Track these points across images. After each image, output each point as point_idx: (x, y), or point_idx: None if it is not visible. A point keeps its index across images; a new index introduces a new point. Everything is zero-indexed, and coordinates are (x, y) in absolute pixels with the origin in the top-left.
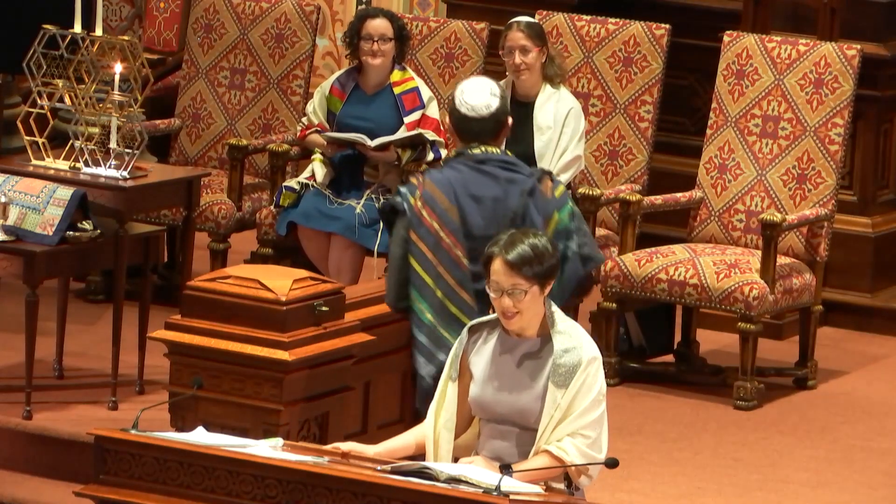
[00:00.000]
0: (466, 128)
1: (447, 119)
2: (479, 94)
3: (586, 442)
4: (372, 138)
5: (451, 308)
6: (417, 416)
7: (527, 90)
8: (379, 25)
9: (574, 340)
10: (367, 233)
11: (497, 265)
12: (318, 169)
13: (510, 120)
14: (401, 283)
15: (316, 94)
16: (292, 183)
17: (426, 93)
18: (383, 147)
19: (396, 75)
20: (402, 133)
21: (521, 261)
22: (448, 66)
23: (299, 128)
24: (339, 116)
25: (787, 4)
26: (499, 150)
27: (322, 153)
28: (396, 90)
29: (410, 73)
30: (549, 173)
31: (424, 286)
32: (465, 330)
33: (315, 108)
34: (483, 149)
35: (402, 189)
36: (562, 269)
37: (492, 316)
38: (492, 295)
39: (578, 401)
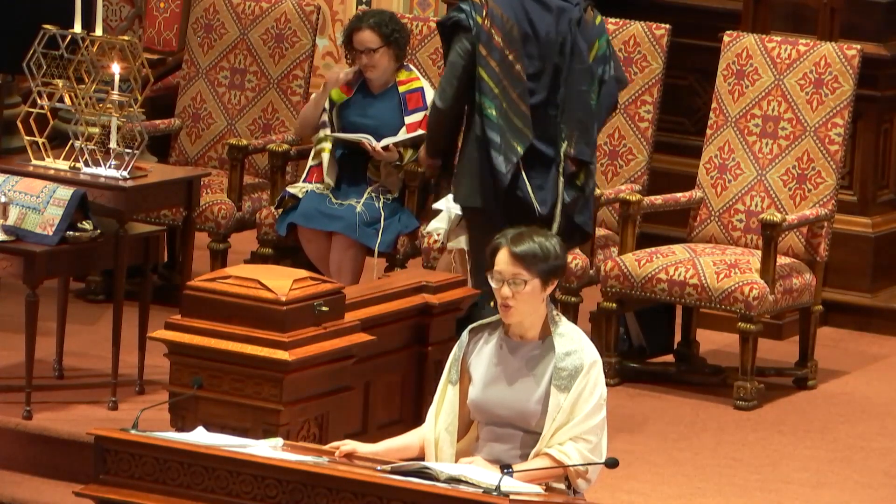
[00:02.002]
0: None
1: None
2: None
3: (588, 447)
4: (376, 137)
5: (513, 118)
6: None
7: None
8: (364, 39)
9: (575, 343)
10: (367, 232)
11: (502, 255)
12: (326, 159)
13: None
14: (456, 88)
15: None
16: (296, 190)
17: (430, 94)
18: (386, 147)
19: (403, 74)
20: (404, 134)
21: (525, 254)
22: None
23: None
24: (344, 114)
25: (787, 4)
26: None
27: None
28: (401, 89)
29: (416, 73)
30: (591, 3)
31: (494, 95)
32: (465, 333)
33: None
34: None
35: (465, 6)
36: (599, 92)
37: (492, 318)
38: (493, 285)
39: (581, 405)
